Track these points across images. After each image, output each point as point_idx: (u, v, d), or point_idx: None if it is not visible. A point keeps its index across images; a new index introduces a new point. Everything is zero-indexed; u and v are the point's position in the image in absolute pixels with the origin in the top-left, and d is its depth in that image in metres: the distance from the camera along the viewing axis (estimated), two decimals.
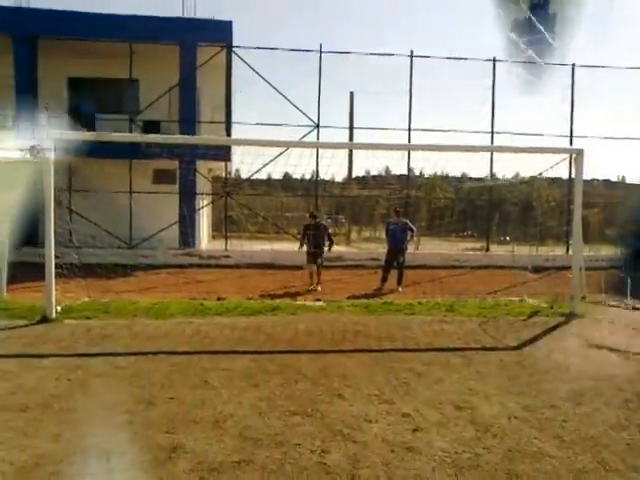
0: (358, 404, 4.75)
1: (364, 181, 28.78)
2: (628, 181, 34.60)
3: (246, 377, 5.44)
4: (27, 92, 17.15)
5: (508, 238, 23.70)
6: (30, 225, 16.49)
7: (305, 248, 12.27)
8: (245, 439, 4.00)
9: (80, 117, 18.24)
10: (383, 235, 13.51)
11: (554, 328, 7.94)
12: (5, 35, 16.84)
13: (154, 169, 18.81)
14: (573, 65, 19.43)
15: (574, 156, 9.42)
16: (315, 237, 12.02)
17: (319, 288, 11.98)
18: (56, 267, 8.30)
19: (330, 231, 12.99)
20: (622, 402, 4.88)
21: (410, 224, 12.86)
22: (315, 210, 13.23)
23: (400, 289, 12.24)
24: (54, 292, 8.13)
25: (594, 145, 19.23)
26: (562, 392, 5.13)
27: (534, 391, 5.15)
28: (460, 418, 4.48)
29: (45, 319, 7.91)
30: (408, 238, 12.76)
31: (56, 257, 8.34)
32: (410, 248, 13.90)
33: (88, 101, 19.55)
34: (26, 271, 11.59)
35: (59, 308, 8.29)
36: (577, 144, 18.44)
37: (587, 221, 22.90)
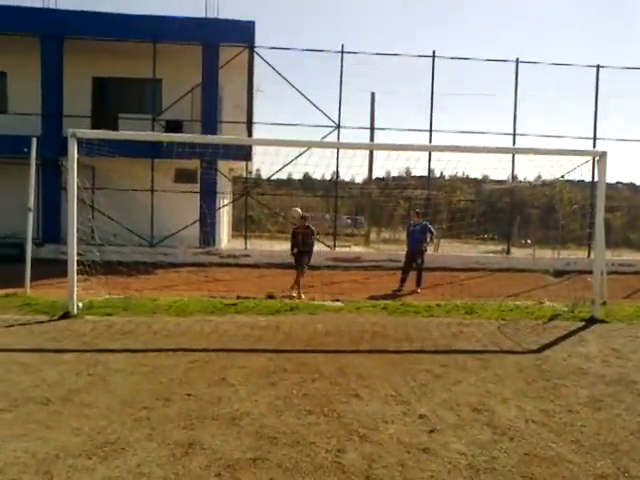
0: (375, 404, 4.75)
1: (384, 182, 28.71)
2: None
3: (263, 375, 5.47)
4: (53, 91, 17.45)
5: (529, 241, 23.50)
6: (53, 222, 16.86)
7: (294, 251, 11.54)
8: (261, 437, 4.02)
9: (104, 116, 18.52)
10: (402, 237, 13.45)
11: (574, 332, 7.85)
12: (33, 35, 17.14)
13: (176, 168, 19.01)
14: (598, 66, 19.22)
15: (597, 158, 9.30)
16: (304, 240, 11.40)
17: (294, 294, 11.01)
18: (78, 264, 8.43)
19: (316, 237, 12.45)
20: None
21: (430, 226, 12.82)
22: (305, 212, 12.38)
23: (419, 290, 12.21)
24: (75, 289, 8.26)
25: (618, 148, 19.06)
26: (581, 397, 5.07)
27: (552, 395, 5.10)
28: (477, 420, 4.46)
29: (67, 315, 8.04)
30: (427, 240, 12.72)
31: (78, 254, 8.47)
32: (430, 250, 13.83)
33: (112, 100, 19.85)
34: (49, 268, 11.82)
35: (80, 304, 8.41)
36: (600, 146, 18.25)
37: (609, 225, 22.64)
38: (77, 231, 8.41)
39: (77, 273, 8.38)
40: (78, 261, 8.45)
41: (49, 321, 7.83)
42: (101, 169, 17.10)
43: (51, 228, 17.18)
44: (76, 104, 18.02)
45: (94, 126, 17.24)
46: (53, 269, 11.05)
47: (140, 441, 3.89)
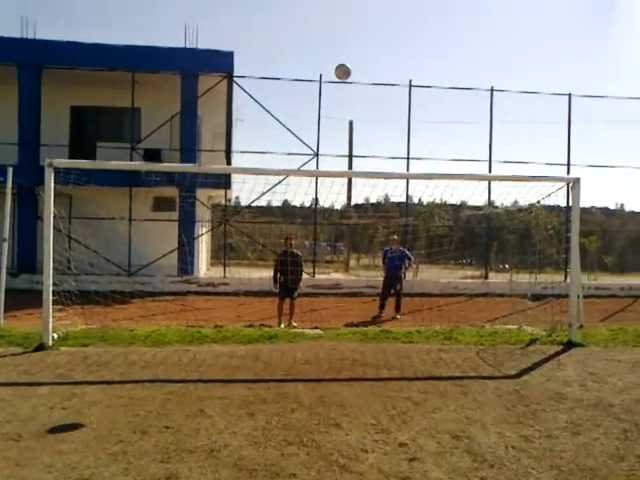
0: (355, 433, 4.71)
1: (363, 209, 28.88)
2: (627, 209, 34.76)
3: (242, 406, 5.40)
4: (30, 119, 17.37)
5: (507, 266, 23.69)
6: (28, 252, 16.64)
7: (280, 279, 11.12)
8: (240, 469, 3.96)
9: (81, 145, 18.47)
10: (382, 263, 13.42)
11: (552, 357, 7.90)
12: (10, 64, 17.10)
13: (154, 197, 18.95)
14: (570, 95, 19.70)
15: (571, 184, 9.47)
16: (292, 266, 10.95)
17: (295, 324, 10.83)
18: (53, 294, 8.30)
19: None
20: (620, 432, 4.84)
21: (407, 252, 12.90)
22: (291, 235, 12.07)
23: (398, 317, 12.23)
24: (51, 319, 8.12)
25: (592, 173, 19.49)
26: (560, 422, 5.09)
27: (532, 420, 5.11)
28: (457, 448, 4.44)
29: (42, 346, 7.88)
30: (405, 266, 12.79)
31: (54, 284, 8.35)
32: (408, 276, 13.89)
33: (90, 129, 19.81)
34: (23, 298, 11.63)
35: (56, 335, 8.26)
36: (574, 172, 18.62)
37: (585, 249, 22.95)
38: (53, 261, 8.30)
39: (53, 303, 8.24)
40: (54, 291, 8.33)
41: (23, 353, 7.67)
42: (78, 198, 16.98)
43: (26, 258, 16.94)
44: (54, 133, 17.95)
45: (72, 155, 17.22)
46: (28, 299, 10.88)
47: (115, 476, 3.81)
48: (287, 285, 11.02)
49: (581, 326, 9.52)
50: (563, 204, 18.06)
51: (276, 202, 22.43)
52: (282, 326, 10.58)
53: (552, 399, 5.82)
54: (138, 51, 17.66)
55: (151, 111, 18.71)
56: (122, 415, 5.09)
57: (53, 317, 8.22)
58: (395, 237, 13.58)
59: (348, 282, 18.91)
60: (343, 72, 8.04)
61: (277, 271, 11.28)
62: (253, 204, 19.84)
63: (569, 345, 8.65)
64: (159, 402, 5.48)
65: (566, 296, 9.75)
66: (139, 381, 6.27)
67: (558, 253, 17.67)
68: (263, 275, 16.03)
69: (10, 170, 10.48)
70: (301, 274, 11.40)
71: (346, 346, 8.39)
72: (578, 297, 9.36)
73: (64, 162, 9.03)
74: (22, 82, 17.39)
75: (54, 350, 7.84)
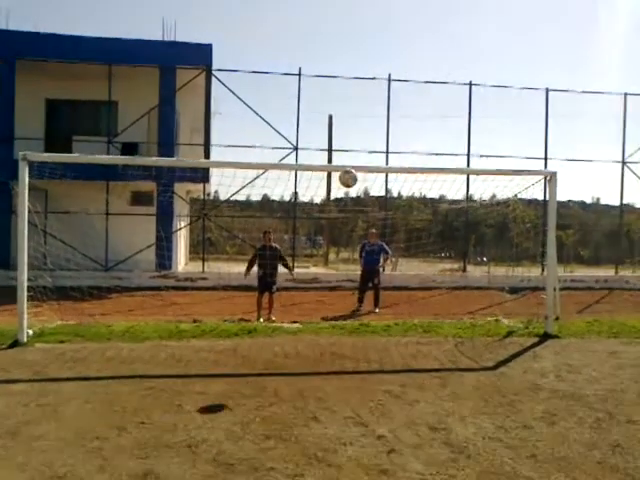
0: (333, 427, 4.72)
1: (342, 203, 28.94)
2: (603, 202, 35.24)
3: (221, 401, 5.38)
4: (4, 113, 17.05)
5: (485, 259, 23.95)
6: (2, 247, 16.37)
7: (257, 273, 11.11)
8: (218, 464, 3.95)
9: (57, 138, 18.19)
10: (359, 256, 13.36)
11: (529, 348, 7.99)
12: None
13: (131, 191, 18.75)
14: (547, 90, 19.89)
15: (548, 178, 9.58)
16: (271, 260, 10.99)
17: (274, 318, 10.80)
18: (29, 290, 8.19)
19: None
20: (594, 421, 4.92)
21: (385, 246, 12.90)
22: (269, 229, 11.92)
23: (377, 310, 12.26)
24: (26, 316, 8.01)
25: (569, 168, 19.74)
26: (536, 412, 5.16)
27: (508, 411, 5.17)
28: (435, 439, 4.48)
29: (16, 343, 7.78)
30: (383, 260, 12.79)
31: (29, 280, 8.24)
32: (387, 269, 13.91)
33: (66, 122, 19.49)
34: None
35: (31, 332, 8.15)
36: (552, 166, 18.83)
37: (561, 242, 23.26)
38: (28, 256, 8.19)
39: (28, 299, 8.14)
40: (29, 287, 8.22)
41: None
42: (54, 192, 16.75)
43: (1, 253, 16.65)
44: (28, 126, 17.63)
45: (47, 149, 16.92)
46: (2, 296, 10.70)
47: (91, 473, 3.77)
48: (266, 279, 10.97)
49: (557, 318, 9.64)
50: (540, 198, 18.27)
51: (255, 196, 22.38)
52: (261, 320, 10.54)
53: (529, 390, 5.89)
54: (115, 44, 17.39)
55: (128, 104, 18.46)
56: (99, 411, 5.04)
57: (28, 313, 8.11)
58: (373, 231, 13.56)
59: (327, 276, 18.89)
60: (350, 178, 8.10)
61: (251, 264, 11.34)
62: (232, 198, 19.72)
63: (545, 337, 8.77)
64: (137, 398, 5.44)
65: (543, 289, 9.89)
66: (116, 377, 6.22)
67: (535, 246, 17.93)
68: (242, 270, 15.99)
69: None
70: (277, 268, 11.30)
71: (325, 340, 8.40)
72: (554, 289, 9.48)
73: (39, 156, 8.91)
74: None
75: (29, 347, 7.74)
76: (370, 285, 12.60)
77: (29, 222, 8.33)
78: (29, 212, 8.28)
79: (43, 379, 6.13)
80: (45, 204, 16.24)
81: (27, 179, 8.17)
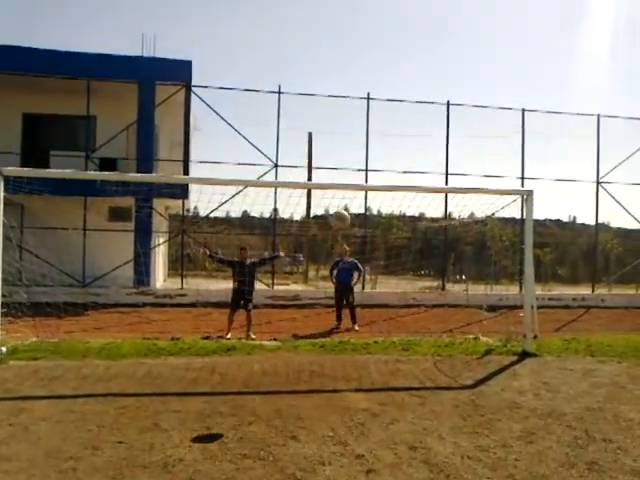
0: (312, 446, 4.69)
1: (322, 220, 28.95)
2: (579, 221, 35.69)
3: (198, 419, 5.32)
4: None
5: (464, 277, 24.09)
6: None
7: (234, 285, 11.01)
8: None
9: (34, 153, 18.00)
10: (330, 273, 13.30)
11: (507, 367, 8.03)
12: None
13: (109, 206, 18.60)
14: (523, 110, 20.23)
15: (525, 197, 9.70)
16: (243, 276, 10.82)
17: (253, 335, 10.57)
18: (2, 306, 8.04)
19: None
20: (572, 440, 4.94)
21: (359, 264, 12.85)
22: (246, 246, 11.73)
23: (356, 327, 12.22)
24: None
25: (546, 186, 19.99)
26: (514, 431, 5.17)
27: (487, 430, 5.18)
28: (414, 458, 4.46)
29: None
30: (355, 278, 12.67)
31: (3, 296, 8.10)
32: (358, 287, 13.82)
33: (43, 137, 19.31)
34: None
35: (4, 349, 7.99)
36: (529, 185, 19.05)
37: (539, 260, 23.52)
38: (2, 271, 8.06)
39: (1, 316, 8.00)
40: (3, 303, 8.07)
41: None
42: (31, 207, 16.53)
43: None
44: (4, 140, 17.41)
45: (24, 163, 16.73)
46: None
47: None
48: (240, 294, 10.87)
49: (535, 336, 9.71)
50: (518, 216, 18.48)
51: (235, 212, 22.21)
52: (228, 336, 10.39)
53: (507, 408, 5.91)
54: (94, 58, 17.33)
55: (107, 119, 18.37)
56: (73, 430, 4.94)
57: (2, 330, 7.97)
58: (346, 247, 13.47)
59: (307, 293, 18.85)
60: (341, 220, 8.08)
61: (219, 260, 11.80)
62: (211, 214, 19.65)
63: (524, 355, 8.81)
64: (112, 416, 5.35)
65: (521, 307, 9.96)
66: (92, 395, 6.11)
67: (513, 264, 18.09)
68: (221, 287, 15.91)
69: None
70: (254, 284, 11.29)
71: (304, 358, 8.36)
72: (532, 308, 9.55)
73: (15, 170, 8.80)
74: None
75: (2, 364, 7.57)
76: (345, 303, 12.55)
77: (4, 237, 8.21)
78: (4, 227, 8.16)
79: (15, 397, 6.01)
80: (21, 219, 16.02)
81: (2, 194, 8.07)
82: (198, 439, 4.78)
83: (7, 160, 13.68)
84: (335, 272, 12.69)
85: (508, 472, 4.22)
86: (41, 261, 14.44)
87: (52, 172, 11.35)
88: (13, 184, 8.52)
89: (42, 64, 16.84)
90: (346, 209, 10.72)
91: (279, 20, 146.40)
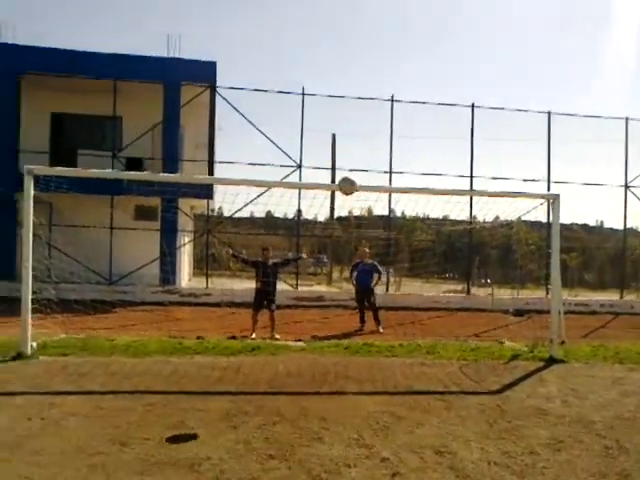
0: (337, 448, 4.68)
1: (346, 221, 28.93)
2: (606, 226, 35.15)
3: (224, 418, 5.35)
4: (9, 126, 17.17)
5: (489, 281, 23.88)
6: (7, 259, 16.41)
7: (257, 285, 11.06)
8: None
9: (62, 152, 18.29)
10: (350, 275, 13.31)
11: (534, 372, 7.93)
12: None
13: (135, 205, 18.82)
14: (549, 113, 19.99)
15: (551, 201, 9.58)
16: (266, 277, 10.86)
17: (277, 336, 10.60)
18: (33, 303, 8.16)
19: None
20: (602, 449, 4.85)
21: (378, 266, 12.81)
22: (268, 246, 11.76)
23: (381, 329, 12.18)
24: (30, 328, 7.99)
25: (572, 190, 19.74)
26: (542, 438, 5.09)
27: (514, 436, 5.11)
28: (440, 463, 4.42)
29: (20, 355, 7.75)
30: (374, 280, 12.64)
31: (33, 292, 8.22)
32: (379, 289, 13.74)
33: (71, 136, 19.64)
34: (1, 306, 11.44)
35: (34, 345, 8.12)
36: (555, 189, 18.85)
37: (566, 265, 23.19)
38: (32, 269, 8.18)
39: (32, 312, 8.12)
40: (33, 299, 8.19)
41: (0, 362, 7.54)
42: (59, 205, 16.79)
43: (5, 265, 16.68)
44: (34, 140, 17.75)
45: (52, 162, 17.01)
46: (7, 307, 10.69)
47: None
48: (264, 295, 10.92)
49: (562, 342, 9.58)
50: (544, 220, 18.26)
51: (259, 213, 22.34)
52: (253, 336, 10.47)
53: (534, 415, 5.83)
54: (121, 60, 17.58)
55: (133, 120, 18.60)
56: (102, 426, 5.00)
57: (32, 326, 8.09)
58: (366, 250, 13.44)
59: (331, 294, 18.87)
60: (350, 185, 7.98)
61: (242, 259, 11.87)
62: (236, 215, 19.77)
63: (550, 361, 8.69)
64: (139, 413, 5.41)
65: (547, 312, 9.83)
66: (119, 392, 6.18)
67: (540, 269, 17.87)
68: (245, 287, 15.98)
69: None
70: (276, 284, 11.31)
71: (329, 359, 8.35)
72: (560, 313, 9.42)
73: (44, 169, 8.97)
74: (1, 88, 17.18)
75: (33, 359, 7.71)
76: (366, 304, 12.53)
77: (34, 235, 8.34)
78: (34, 225, 8.29)
79: (46, 392, 6.10)
80: (50, 217, 16.28)
81: (32, 192, 8.20)
82: (223, 438, 4.81)
83: (36, 159, 13.95)
84: (355, 274, 12.72)
85: None
86: (69, 259, 14.64)
87: (81, 171, 11.51)
88: (42, 183, 8.65)
89: (70, 65, 17.13)
90: (369, 211, 10.70)
91: (279, 20, 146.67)
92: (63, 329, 9.58)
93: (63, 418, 5.19)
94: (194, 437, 4.81)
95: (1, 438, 4.62)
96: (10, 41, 17.73)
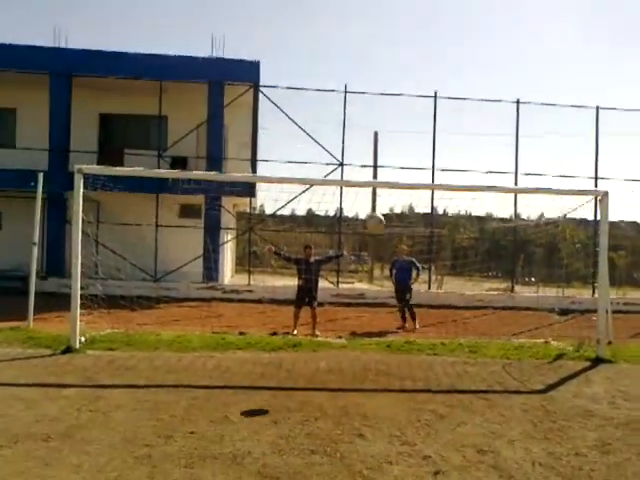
0: (379, 444, 4.68)
1: (387, 219, 28.81)
2: None
3: (266, 413, 5.40)
4: (60, 127, 17.70)
5: (533, 279, 23.43)
6: (57, 256, 16.92)
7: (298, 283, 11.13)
8: (264, 477, 3.95)
9: (110, 151, 18.75)
10: (389, 273, 13.29)
11: (579, 373, 7.76)
12: (42, 72, 17.46)
13: (180, 203, 19.13)
14: (597, 107, 19.46)
15: (599, 198, 9.35)
16: (307, 274, 10.92)
17: (318, 333, 10.67)
18: (81, 298, 8.41)
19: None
20: None
21: (416, 262, 12.73)
22: (311, 244, 11.93)
23: (417, 326, 12.12)
24: (78, 323, 8.23)
25: (620, 187, 19.18)
26: (589, 440, 4.98)
27: (559, 437, 5.02)
28: (482, 462, 4.38)
29: (69, 349, 8.00)
30: (414, 277, 12.58)
31: (81, 288, 8.46)
32: (417, 286, 13.62)
33: (118, 136, 20.12)
34: (52, 301, 11.80)
35: (83, 339, 8.37)
36: (602, 186, 18.35)
37: (613, 263, 22.57)
38: (81, 265, 8.42)
39: (80, 307, 8.36)
40: (81, 295, 8.44)
41: (51, 355, 7.80)
42: (106, 204, 17.22)
43: (55, 262, 17.22)
44: (83, 139, 18.25)
45: (100, 161, 17.43)
46: (56, 303, 11.02)
47: (141, 479, 3.83)
48: (306, 292, 10.98)
49: (610, 342, 9.34)
50: (590, 217, 17.82)
51: (300, 211, 22.47)
52: (295, 332, 10.57)
53: (580, 416, 5.71)
54: (166, 60, 17.89)
55: (178, 119, 18.95)
56: (147, 419, 5.12)
57: (80, 320, 8.33)
58: (404, 247, 13.50)
59: (372, 292, 18.82)
60: (377, 223, 7.93)
61: (283, 256, 11.87)
62: (277, 213, 19.91)
63: (597, 361, 8.48)
64: (183, 407, 5.51)
65: (594, 311, 9.60)
66: (164, 386, 6.32)
67: (586, 267, 17.45)
68: (287, 283, 16.08)
69: (41, 176, 10.70)
70: (317, 282, 11.35)
71: (370, 356, 8.34)
72: (607, 312, 9.18)
73: (93, 168, 9.21)
74: (53, 90, 17.72)
75: (81, 353, 7.94)
76: (403, 302, 12.49)
77: (82, 232, 8.58)
78: (82, 223, 8.53)
79: (94, 385, 6.29)
80: (97, 215, 16.70)
81: (82, 191, 8.44)
82: (265, 433, 4.86)
83: (85, 158, 14.34)
84: (394, 272, 12.69)
85: None
86: (116, 256, 14.99)
87: (128, 170, 11.78)
88: (91, 181, 8.88)
89: (117, 66, 17.55)
90: (411, 208, 10.64)
91: (345, 18, 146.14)
92: (110, 324, 9.83)
93: (110, 410, 5.34)
94: (265, 412, 5.18)
95: (53, 428, 4.79)
96: (62, 45, 18.29)
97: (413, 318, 12.32)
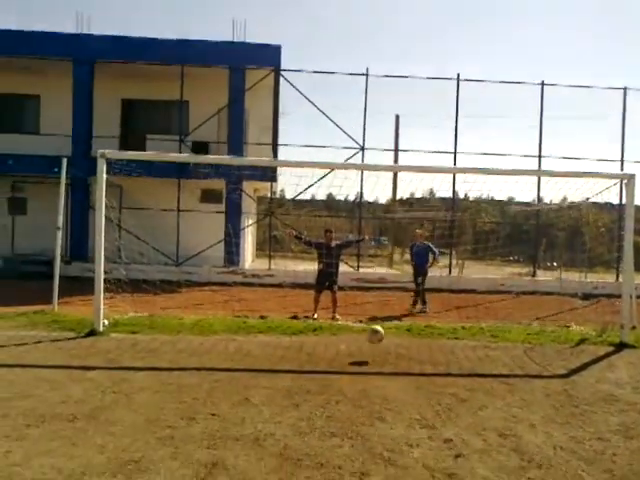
0: (399, 428, 4.70)
1: (408, 203, 28.67)
2: None
3: (287, 396, 5.45)
4: (83, 113, 17.83)
5: (555, 264, 23.16)
6: (80, 241, 17.15)
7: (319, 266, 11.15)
8: (285, 459, 4.00)
9: (132, 137, 18.87)
10: (410, 258, 13.34)
11: (602, 357, 7.69)
12: (66, 59, 17.58)
13: (202, 188, 19.22)
14: (625, 88, 19.07)
15: (625, 181, 9.19)
16: (328, 258, 10.90)
17: (338, 317, 10.68)
18: (104, 282, 8.53)
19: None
20: None
21: (432, 246, 12.72)
22: (332, 228, 11.90)
23: (427, 310, 12.14)
24: (102, 306, 8.36)
25: None
26: (611, 424, 4.94)
27: (581, 422, 4.99)
28: (504, 446, 4.37)
29: (93, 332, 8.14)
30: (430, 261, 12.61)
31: (105, 272, 8.58)
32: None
33: (140, 121, 20.22)
34: (76, 285, 11.98)
35: (106, 322, 8.50)
36: (629, 169, 18.04)
37: (638, 248, 22.20)
38: (104, 249, 8.53)
39: (104, 291, 8.48)
40: (104, 279, 8.56)
41: (75, 338, 7.94)
42: (128, 189, 17.35)
43: (79, 246, 17.45)
44: (105, 125, 18.38)
45: (122, 147, 17.57)
46: (80, 286, 11.18)
47: (164, 460, 3.90)
48: (326, 276, 11.00)
49: (634, 327, 9.23)
50: (615, 201, 17.51)
51: (321, 195, 22.43)
52: (315, 316, 10.60)
53: (603, 400, 5.66)
54: (187, 45, 17.88)
55: (199, 104, 18.96)
56: (170, 401, 5.20)
57: (104, 304, 8.45)
58: (419, 231, 13.57)
59: (392, 276, 18.79)
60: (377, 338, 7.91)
61: (304, 240, 11.86)
62: (298, 197, 19.90)
63: (621, 346, 8.40)
64: (206, 390, 5.58)
65: (617, 296, 9.49)
66: (186, 368, 6.40)
67: (609, 252, 17.18)
68: (307, 268, 16.11)
69: (64, 161, 10.80)
70: (338, 266, 11.31)
71: (390, 340, 8.32)
72: (631, 297, 9.06)
73: (115, 153, 9.28)
74: (76, 76, 17.83)
75: (105, 336, 8.08)
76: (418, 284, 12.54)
77: (106, 217, 8.67)
78: (105, 207, 8.62)
79: (117, 367, 6.39)
80: (120, 200, 16.85)
81: (105, 175, 8.52)
82: (286, 415, 4.90)
83: (107, 144, 14.43)
84: (412, 256, 12.77)
85: (606, 467, 4.04)
86: (138, 240, 15.14)
87: (150, 154, 11.87)
88: (114, 166, 8.95)
89: (139, 52, 17.58)
90: (432, 192, 10.50)
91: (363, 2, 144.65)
92: (132, 308, 9.96)
93: (133, 392, 5.43)
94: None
95: (78, 409, 4.88)
96: (85, 31, 18.36)
97: (423, 302, 12.34)
